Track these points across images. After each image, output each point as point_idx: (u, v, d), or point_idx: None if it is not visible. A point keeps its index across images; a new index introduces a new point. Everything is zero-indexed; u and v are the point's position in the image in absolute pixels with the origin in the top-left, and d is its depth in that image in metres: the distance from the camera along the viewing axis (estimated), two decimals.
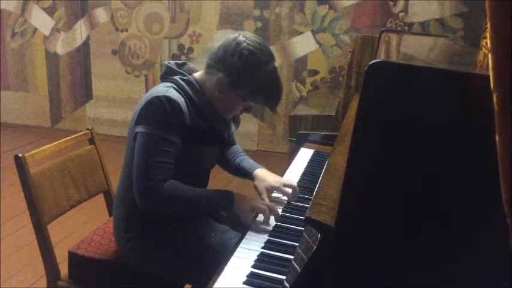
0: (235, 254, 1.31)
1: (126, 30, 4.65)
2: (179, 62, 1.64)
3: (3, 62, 5.02)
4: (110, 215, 1.98)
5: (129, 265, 1.60)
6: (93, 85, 4.88)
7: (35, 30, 4.89)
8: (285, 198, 1.66)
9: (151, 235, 1.56)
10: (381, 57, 0.81)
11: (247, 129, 4.38)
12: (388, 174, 0.84)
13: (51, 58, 4.92)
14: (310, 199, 1.64)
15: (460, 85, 0.81)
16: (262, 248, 1.34)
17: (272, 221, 1.49)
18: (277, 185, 1.64)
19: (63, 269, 1.69)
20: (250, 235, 1.42)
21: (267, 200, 1.58)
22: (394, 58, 1.32)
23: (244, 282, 1.17)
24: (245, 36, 1.50)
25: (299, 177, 1.89)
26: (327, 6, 4.14)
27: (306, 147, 2.23)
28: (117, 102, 4.84)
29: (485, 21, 3.36)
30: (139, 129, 1.46)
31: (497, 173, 0.62)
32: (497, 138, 0.61)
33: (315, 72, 4.30)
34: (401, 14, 4.01)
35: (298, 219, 1.52)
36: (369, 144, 0.82)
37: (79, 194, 1.81)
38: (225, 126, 1.67)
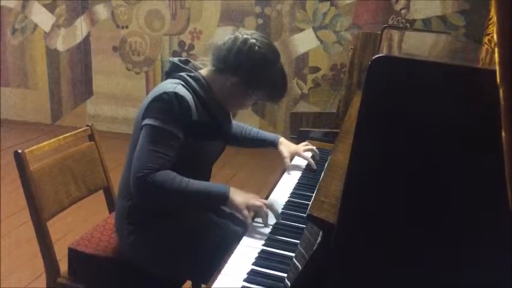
0: (236, 251, 1.30)
1: (127, 27, 4.64)
2: (182, 58, 1.65)
3: (3, 58, 5.01)
4: (110, 211, 1.98)
5: (129, 261, 1.60)
6: (93, 82, 4.87)
7: (36, 26, 4.87)
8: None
9: (153, 229, 1.56)
10: (384, 52, 0.80)
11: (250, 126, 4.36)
12: (391, 170, 0.83)
13: (52, 55, 4.91)
14: (311, 196, 1.65)
15: (464, 80, 0.80)
16: (263, 245, 1.33)
17: (271, 220, 1.46)
18: (299, 149, 1.96)
19: (63, 266, 1.68)
20: (251, 232, 1.41)
21: (289, 163, 1.90)
22: (396, 54, 1.30)
23: (245, 280, 1.16)
24: (253, 37, 1.54)
25: (300, 174, 1.88)
26: (328, 3, 4.12)
27: None
28: (117, 99, 4.83)
29: (487, 19, 3.34)
30: (146, 121, 1.47)
31: (503, 170, 0.61)
32: (503, 134, 0.60)
33: (316, 69, 4.29)
34: (403, 11, 3.99)
35: (299, 216, 1.51)
36: (372, 140, 0.81)
37: (79, 191, 1.80)
38: (227, 119, 1.72)
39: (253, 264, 1.23)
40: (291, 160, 1.94)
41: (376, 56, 0.76)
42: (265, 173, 3.29)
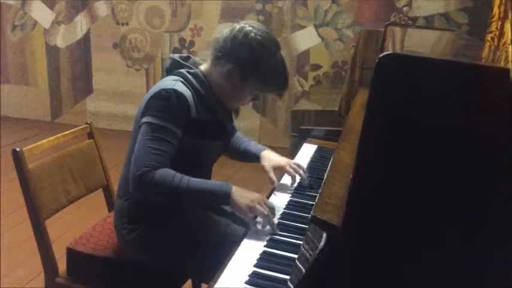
0: (237, 252, 1.27)
1: (127, 23, 4.61)
2: (183, 55, 1.63)
3: (3, 55, 4.99)
4: (109, 210, 1.95)
5: (129, 261, 1.58)
6: (93, 79, 4.85)
7: (35, 23, 4.85)
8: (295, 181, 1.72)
9: (152, 228, 1.54)
10: (389, 50, 0.78)
11: (248, 124, 4.34)
12: (399, 170, 0.80)
13: (52, 51, 4.88)
14: (314, 196, 1.62)
15: (473, 77, 0.78)
16: (265, 246, 1.31)
17: (268, 229, 1.38)
18: (283, 163, 1.71)
19: (62, 265, 1.66)
20: (252, 233, 1.38)
21: (274, 178, 1.67)
22: (401, 51, 1.28)
23: (247, 282, 1.13)
24: (251, 26, 1.51)
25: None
26: (329, 1, 4.10)
27: (309, 143, 2.20)
28: (117, 96, 4.81)
29: (490, 16, 3.31)
30: (144, 119, 1.45)
31: None
32: None
33: (318, 67, 4.26)
34: (405, 9, 3.96)
35: (301, 216, 1.48)
36: (379, 139, 0.79)
37: (78, 189, 1.78)
38: (228, 118, 1.68)
39: (255, 265, 1.20)
40: (277, 173, 1.72)
41: (384, 53, 0.74)
42: (265, 173, 3.26)
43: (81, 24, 4.73)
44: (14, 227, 2.85)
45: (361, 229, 0.85)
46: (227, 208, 1.70)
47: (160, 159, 1.41)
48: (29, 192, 1.56)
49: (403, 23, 3.93)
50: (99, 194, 1.94)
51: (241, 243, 1.32)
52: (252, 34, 1.48)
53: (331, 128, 2.35)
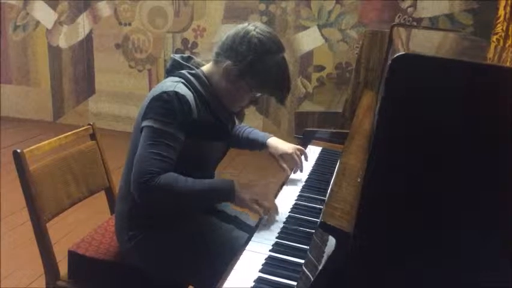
0: (242, 257, 1.24)
1: (130, 24, 4.59)
2: (184, 55, 1.59)
3: (5, 55, 4.98)
4: (112, 212, 1.93)
5: (130, 266, 1.55)
6: (96, 79, 4.83)
7: (38, 23, 4.83)
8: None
9: (154, 233, 1.52)
10: (401, 50, 0.75)
11: (251, 126, 4.30)
12: (416, 172, 0.77)
13: (54, 52, 4.87)
14: (320, 199, 1.60)
15: (488, 78, 0.75)
16: (270, 250, 1.28)
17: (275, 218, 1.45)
18: (290, 151, 1.75)
19: (64, 267, 1.64)
20: (257, 237, 1.35)
21: (285, 167, 1.74)
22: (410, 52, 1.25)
23: None
24: (255, 25, 1.49)
25: (307, 176, 1.82)
26: (333, 1, 4.07)
27: (313, 145, 2.17)
28: (120, 97, 4.79)
29: (495, 17, 3.28)
30: (145, 123, 1.42)
31: None
32: None
33: (321, 68, 4.24)
34: (409, 9, 3.93)
35: (307, 220, 1.46)
36: (394, 141, 0.76)
37: (80, 191, 1.76)
38: (230, 120, 1.65)
39: (260, 271, 1.17)
40: (285, 160, 1.77)
41: (398, 54, 0.71)
42: (268, 173, 3.25)
43: (83, 24, 4.72)
44: (14, 228, 2.83)
45: (374, 234, 0.82)
46: (230, 212, 1.68)
47: (163, 165, 1.38)
48: (30, 194, 1.54)
49: (408, 24, 3.90)
50: (102, 195, 1.92)
51: (245, 248, 1.29)
52: (253, 32, 1.45)
53: (337, 130, 2.32)
